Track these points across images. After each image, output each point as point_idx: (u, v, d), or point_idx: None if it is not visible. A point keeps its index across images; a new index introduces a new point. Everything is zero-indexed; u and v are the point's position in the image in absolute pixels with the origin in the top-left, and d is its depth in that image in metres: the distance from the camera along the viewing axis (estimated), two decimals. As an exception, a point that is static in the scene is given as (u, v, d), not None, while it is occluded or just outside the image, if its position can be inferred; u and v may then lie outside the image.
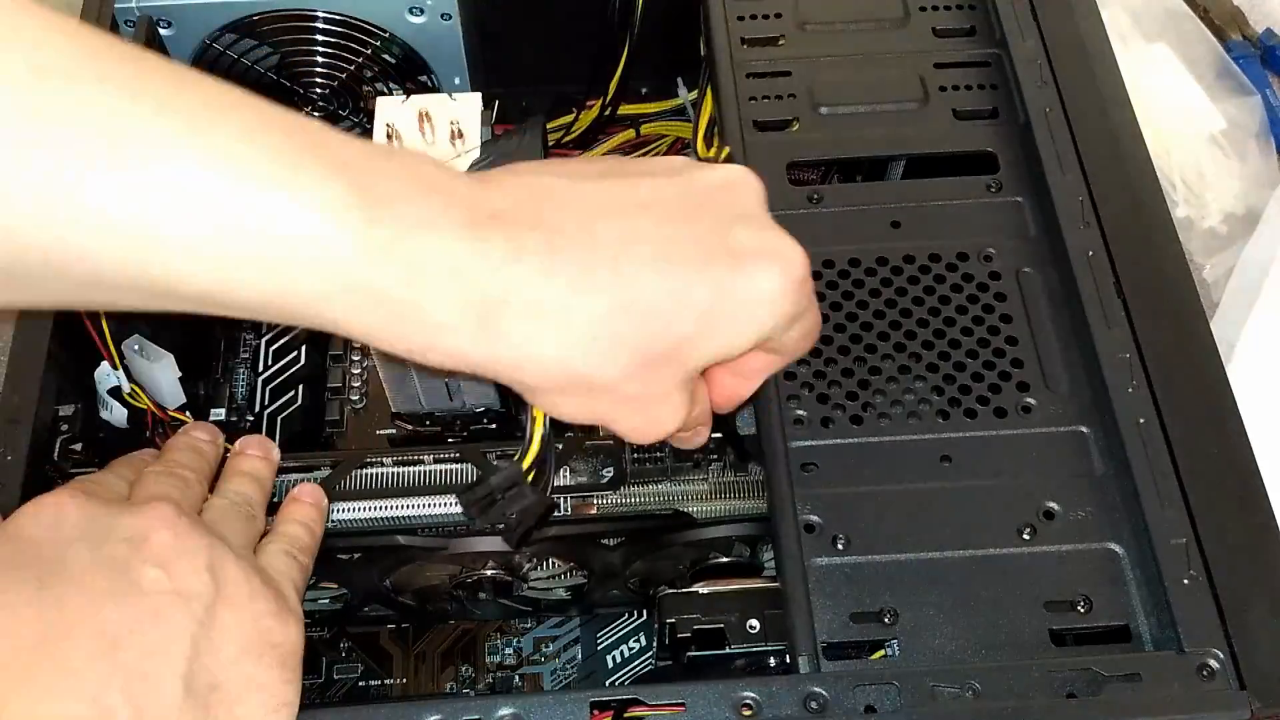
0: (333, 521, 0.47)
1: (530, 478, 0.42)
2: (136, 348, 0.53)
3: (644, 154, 0.71)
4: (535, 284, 0.33)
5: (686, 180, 0.37)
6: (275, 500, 0.48)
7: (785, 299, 0.37)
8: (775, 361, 0.40)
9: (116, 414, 0.53)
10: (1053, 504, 0.45)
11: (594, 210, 0.35)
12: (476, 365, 0.34)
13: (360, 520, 0.47)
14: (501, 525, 0.44)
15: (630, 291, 0.34)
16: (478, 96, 0.60)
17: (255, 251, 0.31)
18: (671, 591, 0.50)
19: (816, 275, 0.51)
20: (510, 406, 0.56)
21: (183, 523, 0.39)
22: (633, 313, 0.34)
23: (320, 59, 0.64)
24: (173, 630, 0.36)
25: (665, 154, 0.71)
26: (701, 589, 0.49)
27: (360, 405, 0.61)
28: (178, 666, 0.36)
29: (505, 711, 0.41)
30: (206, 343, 0.60)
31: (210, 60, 0.63)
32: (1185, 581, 0.42)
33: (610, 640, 0.58)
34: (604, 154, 0.69)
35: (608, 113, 0.68)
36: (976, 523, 0.44)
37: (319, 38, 0.63)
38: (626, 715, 0.41)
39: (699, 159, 0.57)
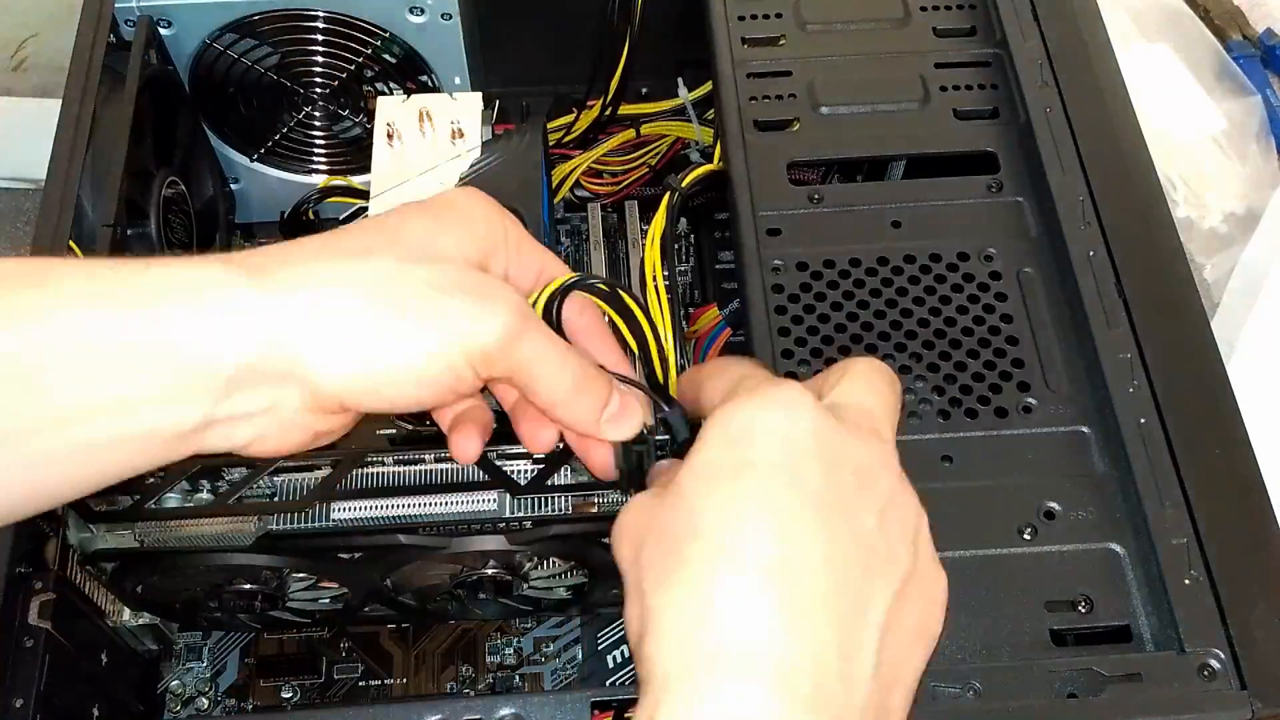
0: (333, 521, 0.47)
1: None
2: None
3: (645, 153, 0.71)
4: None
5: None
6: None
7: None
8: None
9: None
10: (1053, 504, 0.45)
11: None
12: None
13: (361, 519, 0.47)
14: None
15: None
16: (478, 96, 0.60)
17: None
18: (672, 591, 0.49)
19: (817, 275, 0.51)
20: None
21: (899, 473, 0.35)
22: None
23: (320, 59, 0.64)
24: (874, 589, 0.32)
25: (665, 153, 0.71)
26: (702, 589, 0.49)
27: (360, 405, 0.61)
28: (875, 623, 0.32)
29: (506, 711, 0.41)
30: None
31: (210, 60, 0.63)
32: (1186, 581, 0.42)
33: (611, 640, 0.58)
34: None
35: (608, 113, 0.68)
36: (977, 523, 0.44)
37: (319, 38, 0.63)
38: (627, 715, 0.41)
39: None
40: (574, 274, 0.39)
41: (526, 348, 0.35)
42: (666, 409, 0.39)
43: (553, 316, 0.39)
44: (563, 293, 0.38)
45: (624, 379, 0.39)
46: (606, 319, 0.41)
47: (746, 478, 0.32)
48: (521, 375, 0.36)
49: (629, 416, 0.38)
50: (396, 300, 0.34)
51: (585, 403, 0.37)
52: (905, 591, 0.33)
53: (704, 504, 0.32)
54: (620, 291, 0.41)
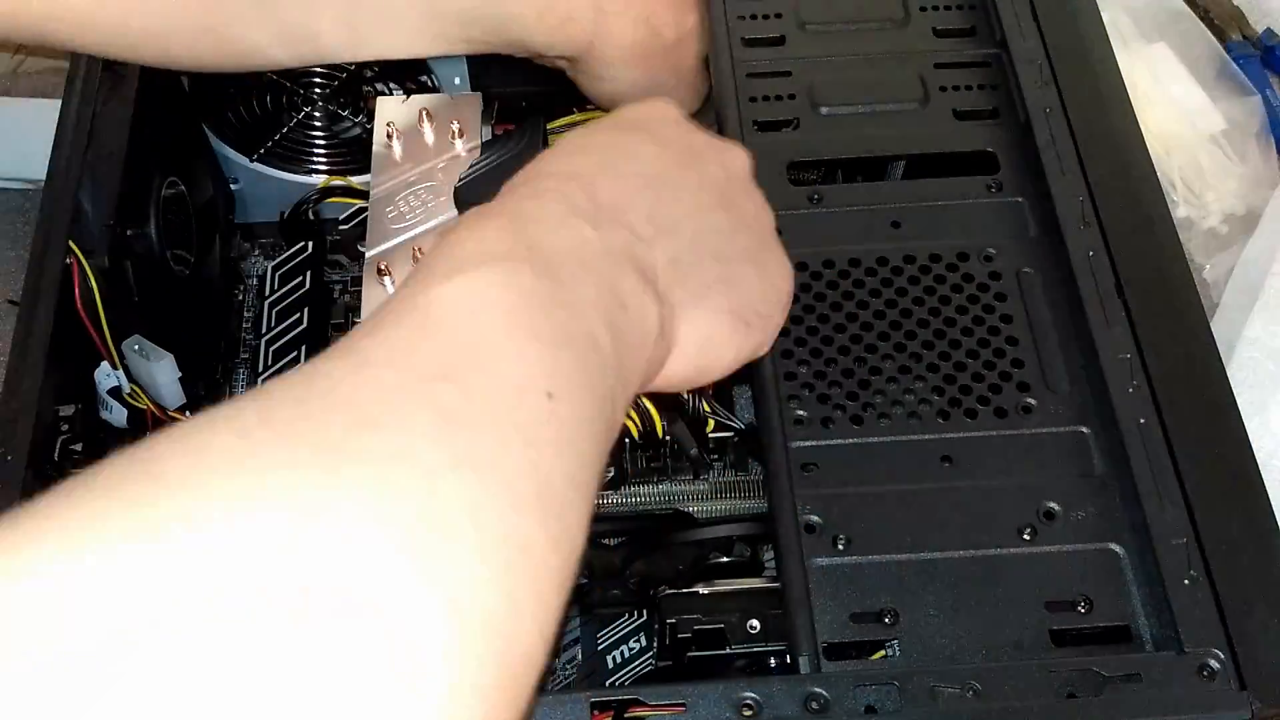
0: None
1: None
2: (136, 348, 0.53)
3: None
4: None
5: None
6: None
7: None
8: None
9: (116, 414, 0.53)
10: (1053, 504, 0.45)
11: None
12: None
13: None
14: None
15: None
16: (478, 96, 0.61)
17: None
18: (672, 591, 0.50)
19: (817, 275, 0.51)
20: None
21: (750, 178, 0.45)
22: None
23: (320, 59, 0.64)
24: (688, 195, 0.41)
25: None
26: (702, 589, 0.49)
27: (360, 405, 0.60)
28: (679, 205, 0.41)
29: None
30: (206, 343, 0.60)
31: (210, 60, 0.63)
32: (1185, 581, 0.42)
33: (610, 640, 0.58)
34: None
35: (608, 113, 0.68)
36: (977, 523, 0.44)
37: (319, 38, 0.63)
38: (627, 715, 0.41)
39: None
40: None
41: None
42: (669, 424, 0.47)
43: None
44: None
45: None
46: None
47: (607, 122, 0.44)
48: None
49: None
50: None
51: None
52: (736, 236, 0.42)
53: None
54: None
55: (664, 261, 0.38)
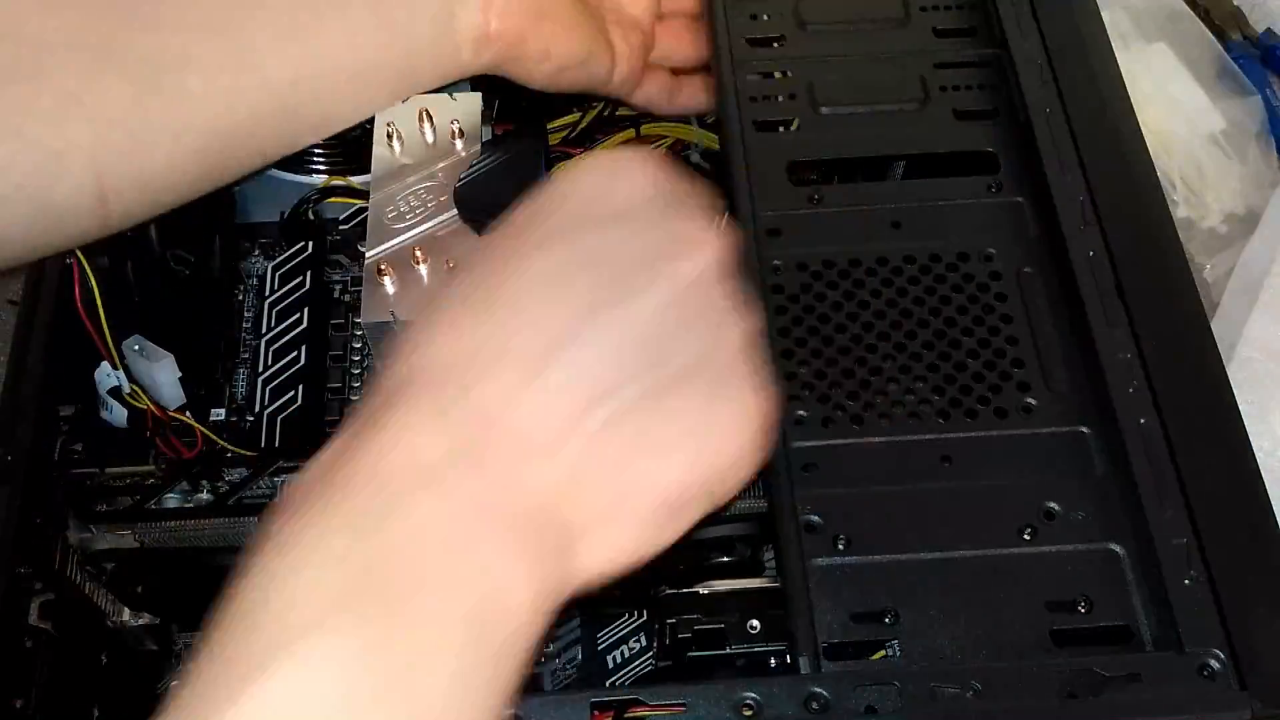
0: (333, 522, 0.47)
1: None
2: (136, 348, 0.53)
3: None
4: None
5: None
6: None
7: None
8: None
9: (116, 414, 0.53)
10: (1053, 504, 0.45)
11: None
12: None
13: (360, 520, 0.47)
14: None
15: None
16: (478, 96, 0.60)
17: None
18: (672, 591, 0.50)
19: (817, 275, 0.51)
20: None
21: (727, 270, 0.36)
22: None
23: (320, 59, 0.64)
24: (634, 338, 0.34)
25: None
26: (702, 589, 0.49)
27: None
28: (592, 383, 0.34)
29: (505, 712, 0.41)
30: (206, 343, 0.60)
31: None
32: (1185, 582, 0.42)
33: (610, 640, 0.58)
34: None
35: (606, 112, 0.68)
36: (977, 523, 0.44)
37: (319, 38, 0.63)
38: (627, 715, 0.41)
39: None
40: None
41: None
42: None
43: None
44: None
45: None
46: None
47: (523, 235, 0.36)
48: None
49: None
50: None
51: None
52: (688, 379, 0.35)
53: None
54: None
55: (559, 482, 0.33)
